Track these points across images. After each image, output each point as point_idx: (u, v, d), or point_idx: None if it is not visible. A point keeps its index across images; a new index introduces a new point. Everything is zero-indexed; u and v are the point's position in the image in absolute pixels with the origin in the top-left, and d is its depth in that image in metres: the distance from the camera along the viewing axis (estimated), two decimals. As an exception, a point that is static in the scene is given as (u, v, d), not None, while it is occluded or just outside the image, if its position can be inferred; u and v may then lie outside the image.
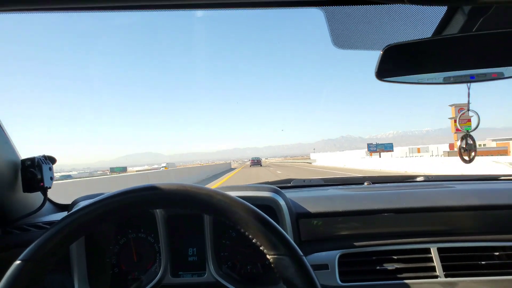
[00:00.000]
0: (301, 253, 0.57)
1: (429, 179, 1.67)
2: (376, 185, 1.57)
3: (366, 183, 1.57)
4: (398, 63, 0.84)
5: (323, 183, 1.71)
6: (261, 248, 0.57)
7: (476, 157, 0.89)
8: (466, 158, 0.88)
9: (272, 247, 0.56)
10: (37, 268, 0.54)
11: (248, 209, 0.59)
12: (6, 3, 0.57)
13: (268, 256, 0.57)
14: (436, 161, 20.85)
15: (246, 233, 0.58)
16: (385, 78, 0.84)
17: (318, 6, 0.81)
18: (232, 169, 42.46)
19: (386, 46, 0.80)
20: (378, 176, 1.84)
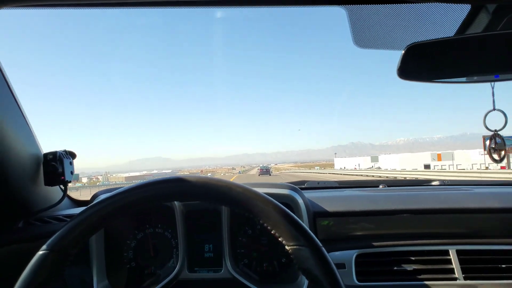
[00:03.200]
0: (320, 244, 0.58)
1: (445, 183, 1.66)
2: (392, 187, 1.57)
3: (381, 186, 1.57)
4: (420, 62, 0.84)
5: (337, 185, 1.71)
6: (280, 239, 0.58)
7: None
8: (496, 157, 0.88)
9: (292, 237, 0.57)
10: (59, 258, 0.56)
11: (267, 201, 0.60)
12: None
13: (287, 247, 0.57)
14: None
15: (265, 225, 0.59)
16: (407, 77, 0.85)
17: (341, 4, 0.82)
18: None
19: (408, 45, 0.81)
20: (394, 180, 1.83)
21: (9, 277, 1.05)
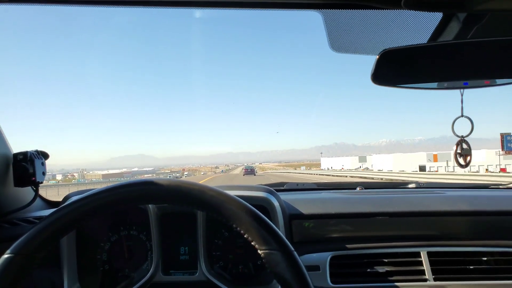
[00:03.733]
0: (292, 248, 0.58)
1: (420, 186, 1.70)
2: (368, 190, 1.60)
3: (358, 188, 1.60)
4: (393, 67, 0.86)
5: (316, 187, 1.73)
6: (252, 243, 0.58)
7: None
8: (462, 162, 0.91)
9: (264, 241, 0.57)
10: (26, 262, 0.55)
11: (240, 205, 0.60)
12: None
13: (259, 251, 0.58)
14: None
15: (238, 229, 0.59)
16: (381, 82, 0.86)
17: (317, 9, 0.83)
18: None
19: (382, 50, 0.83)
20: (371, 182, 1.87)
21: None
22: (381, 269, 1.05)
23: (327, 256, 1.05)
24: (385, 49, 0.83)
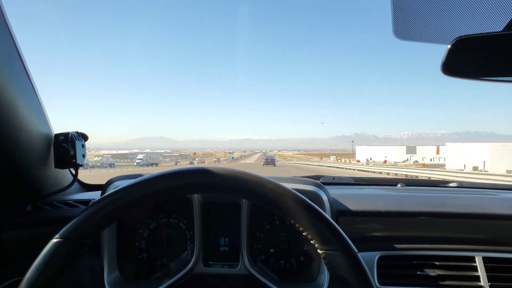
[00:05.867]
0: (356, 250, 0.55)
1: (462, 185, 1.62)
2: (411, 187, 1.53)
3: (399, 185, 1.53)
4: (467, 57, 0.79)
5: (353, 181, 1.67)
6: (312, 241, 0.56)
7: None
8: None
9: (325, 241, 0.55)
10: (74, 247, 0.54)
11: (300, 200, 0.57)
12: None
13: (319, 251, 0.55)
14: None
15: (297, 225, 0.56)
16: (453, 73, 0.79)
17: None
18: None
19: (456, 38, 0.76)
20: (411, 179, 1.79)
21: (17, 260, 1.03)
22: (432, 272, 1.00)
23: (374, 255, 1.01)
24: (459, 37, 0.76)
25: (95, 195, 1.28)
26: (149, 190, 0.58)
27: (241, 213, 1.03)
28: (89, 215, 0.56)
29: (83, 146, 1.16)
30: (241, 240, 1.03)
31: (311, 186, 1.04)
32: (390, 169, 33.70)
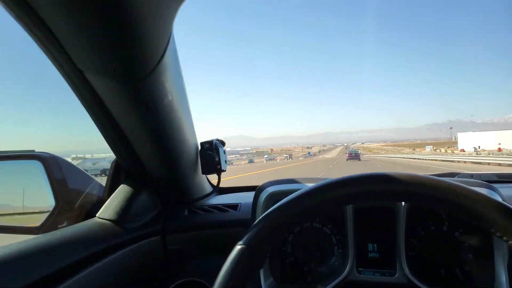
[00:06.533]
0: None
1: None
2: None
3: None
4: None
5: (497, 178, 1.46)
6: None
7: None
8: None
9: None
10: (257, 254, 0.55)
11: (506, 209, 0.48)
12: None
13: None
14: None
15: (510, 242, 0.48)
16: None
17: None
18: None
19: None
20: None
21: (181, 261, 1.12)
22: None
23: None
24: None
25: (232, 198, 1.33)
26: (327, 197, 0.56)
27: (398, 218, 0.96)
28: (267, 224, 0.56)
29: (224, 152, 1.23)
30: (399, 247, 0.96)
31: (481, 188, 0.92)
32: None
